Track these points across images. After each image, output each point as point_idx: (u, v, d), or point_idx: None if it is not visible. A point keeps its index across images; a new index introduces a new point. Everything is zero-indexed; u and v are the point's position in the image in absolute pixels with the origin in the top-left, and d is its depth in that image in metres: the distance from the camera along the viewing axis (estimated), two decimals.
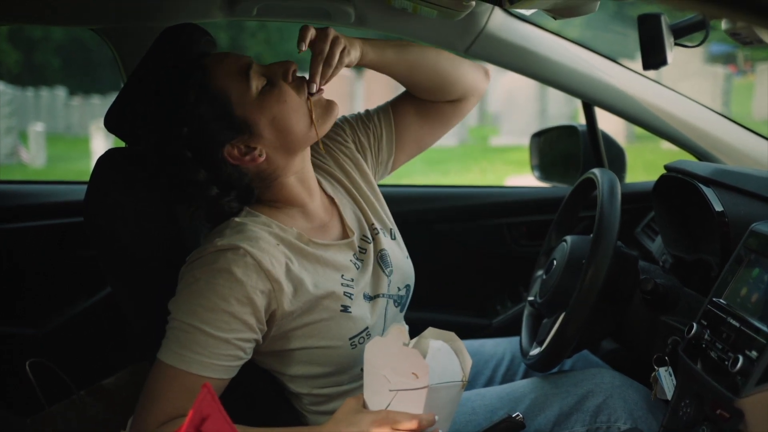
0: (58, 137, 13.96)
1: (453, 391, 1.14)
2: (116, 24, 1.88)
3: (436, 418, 1.11)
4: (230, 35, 19.09)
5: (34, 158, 11.59)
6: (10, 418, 1.18)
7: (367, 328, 1.32)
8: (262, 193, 1.33)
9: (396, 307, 1.42)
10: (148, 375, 1.21)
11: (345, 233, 1.40)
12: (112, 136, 1.53)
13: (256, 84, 1.27)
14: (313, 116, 1.30)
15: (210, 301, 1.18)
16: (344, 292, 1.31)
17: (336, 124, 1.49)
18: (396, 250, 1.46)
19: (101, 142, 10.09)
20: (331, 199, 1.43)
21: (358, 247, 1.39)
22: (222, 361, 1.19)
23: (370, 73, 10.61)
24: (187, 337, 1.18)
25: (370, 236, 1.42)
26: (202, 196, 1.29)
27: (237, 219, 1.29)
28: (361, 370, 1.33)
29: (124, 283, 1.43)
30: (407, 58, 1.44)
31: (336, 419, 1.15)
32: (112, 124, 1.44)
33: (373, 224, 1.44)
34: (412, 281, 1.48)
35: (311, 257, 1.30)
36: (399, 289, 1.43)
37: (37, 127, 11.81)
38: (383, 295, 1.38)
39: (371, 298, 1.36)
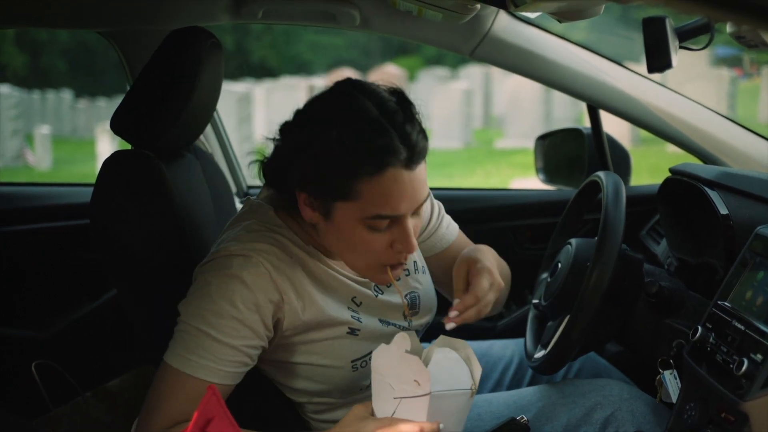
0: (63, 140, 13.99)
1: (460, 399, 1.13)
2: (122, 27, 1.89)
3: (441, 426, 1.10)
4: (235, 39, 19.12)
5: (40, 161, 11.62)
6: (16, 419, 1.18)
7: (371, 353, 1.31)
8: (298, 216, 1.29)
9: None
10: (154, 377, 1.22)
11: None
12: (118, 139, 1.54)
13: (378, 225, 1.18)
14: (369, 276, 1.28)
15: (219, 306, 1.18)
16: (352, 315, 1.30)
17: None
18: (427, 286, 1.44)
19: (107, 145, 10.11)
20: None
21: (375, 286, 1.35)
22: (228, 367, 1.19)
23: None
24: (195, 341, 1.18)
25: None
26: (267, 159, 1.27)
27: (257, 224, 1.27)
28: (360, 390, 1.33)
29: (129, 285, 1.44)
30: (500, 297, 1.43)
31: (342, 425, 1.15)
32: (119, 125, 1.44)
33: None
34: (432, 319, 1.46)
35: (325, 276, 1.29)
36: (419, 325, 1.42)
37: (43, 130, 11.85)
38: (398, 326, 1.37)
39: (387, 324, 1.35)
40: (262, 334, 1.21)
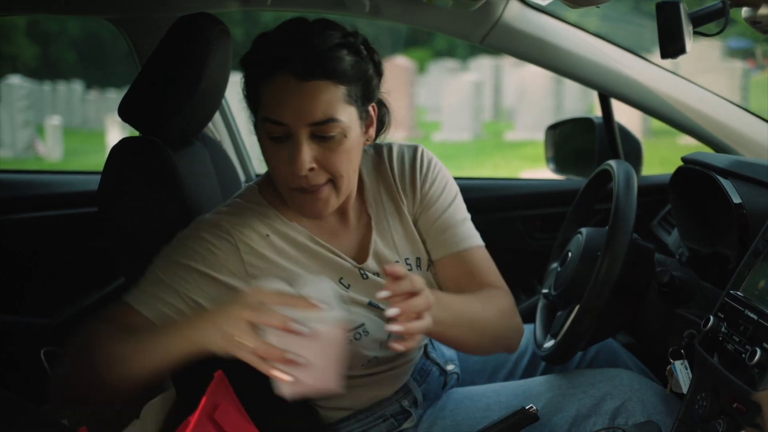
0: (74, 131, 14.05)
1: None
2: (131, 14, 1.88)
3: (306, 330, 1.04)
4: (245, 30, 19.10)
5: (51, 152, 11.67)
6: (27, 405, 1.19)
7: (363, 324, 1.29)
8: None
9: None
10: None
11: (361, 255, 1.35)
12: (128, 130, 1.54)
13: (271, 130, 1.22)
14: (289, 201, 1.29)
15: (176, 254, 1.25)
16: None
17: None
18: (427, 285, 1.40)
19: (117, 136, 10.14)
20: (368, 218, 1.38)
21: (361, 273, 1.33)
22: (162, 306, 1.22)
23: None
24: (144, 279, 1.25)
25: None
26: None
27: (239, 200, 1.32)
28: (368, 361, 1.31)
29: (137, 273, 1.43)
30: (462, 323, 1.29)
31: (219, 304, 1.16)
32: (126, 112, 1.44)
33: (407, 258, 1.39)
34: None
35: (310, 254, 1.29)
36: None
37: (54, 121, 11.89)
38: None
39: (378, 308, 1.32)
40: (207, 296, 1.23)
